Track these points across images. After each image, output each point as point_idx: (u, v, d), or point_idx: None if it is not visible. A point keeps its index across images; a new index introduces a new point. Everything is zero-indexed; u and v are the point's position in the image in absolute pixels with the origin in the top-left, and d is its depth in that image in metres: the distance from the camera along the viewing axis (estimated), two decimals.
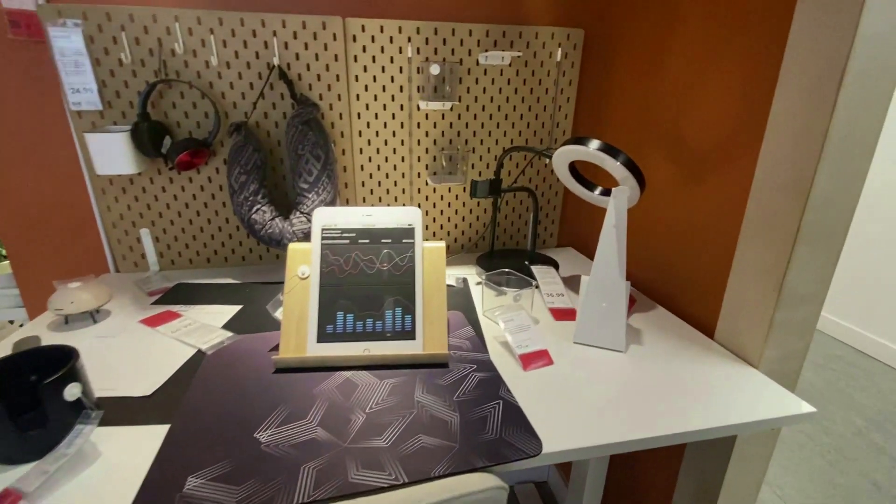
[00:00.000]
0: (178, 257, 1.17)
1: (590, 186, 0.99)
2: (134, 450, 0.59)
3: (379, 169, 1.20)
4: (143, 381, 0.71)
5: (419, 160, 1.21)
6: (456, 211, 1.28)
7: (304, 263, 0.81)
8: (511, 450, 0.58)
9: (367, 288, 0.78)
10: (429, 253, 0.82)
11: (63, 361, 0.62)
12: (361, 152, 1.17)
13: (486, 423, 0.62)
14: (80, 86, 0.98)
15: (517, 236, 1.35)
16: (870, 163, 0.66)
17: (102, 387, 0.70)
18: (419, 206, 1.25)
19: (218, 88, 1.04)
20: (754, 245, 0.77)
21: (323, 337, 0.75)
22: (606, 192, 0.98)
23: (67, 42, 0.95)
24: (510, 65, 1.16)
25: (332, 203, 1.07)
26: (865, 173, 0.66)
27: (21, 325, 1.48)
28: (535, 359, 0.77)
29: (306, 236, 1.04)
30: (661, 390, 0.71)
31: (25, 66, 0.99)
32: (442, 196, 1.26)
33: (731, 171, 0.83)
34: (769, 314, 0.74)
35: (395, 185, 1.22)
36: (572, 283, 1.11)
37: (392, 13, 1.09)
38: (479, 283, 1.10)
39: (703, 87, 0.89)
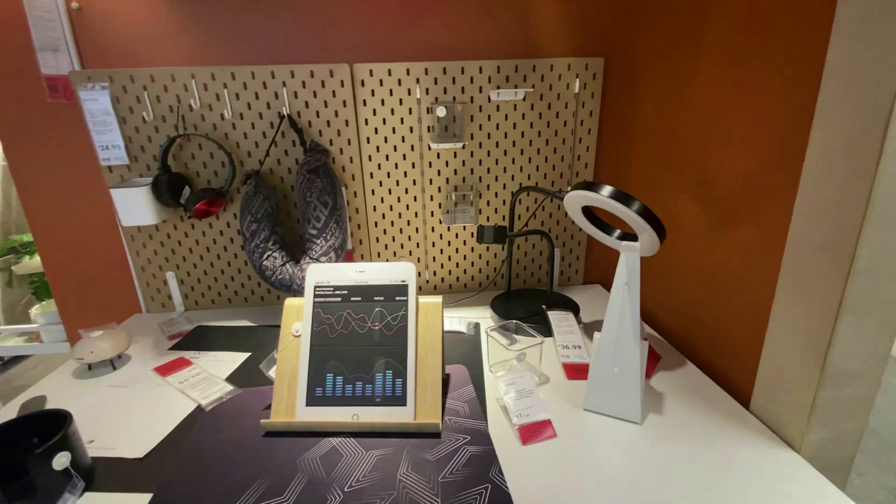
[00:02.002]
0: (202, 298, 1.22)
1: (607, 230, 0.92)
2: None
3: (391, 209, 1.18)
4: (141, 440, 0.73)
5: (431, 199, 1.18)
6: (472, 249, 1.24)
7: (298, 320, 0.80)
8: None
9: (358, 349, 0.76)
10: (424, 309, 0.78)
11: (60, 424, 0.65)
12: (373, 193, 1.16)
13: None
14: (108, 143, 1.05)
15: (538, 273, 1.28)
16: None
17: (102, 444, 0.72)
18: (433, 244, 1.22)
19: (233, 139, 1.08)
20: (792, 309, 0.66)
21: (312, 400, 0.74)
22: (626, 237, 0.90)
23: (96, 104, 1.02)
24: (524, 99, 1.10)
25: (341, 248, 1.06)
26: None
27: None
28: (536, 431, 0.71)
29: None
30: (681, 475, 0.63)
31: (64, 126, 1.08)
32: (457, 234, 1.22)
33: (763, 220, 0.73)
34: (811, 391, 0.63)
35: (409, 224, 1.20)
36: (593, 330, 1.03)
37: (400, 56, 1.08)
38: (493, 329, 1.05)
39: (732, 123, 0.79)
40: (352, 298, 0.78)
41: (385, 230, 1.20)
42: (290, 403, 0.74)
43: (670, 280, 1.00)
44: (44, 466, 0.58)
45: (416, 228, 1.21)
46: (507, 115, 1.12)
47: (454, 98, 1.09)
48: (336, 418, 0.72)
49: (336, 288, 0.79)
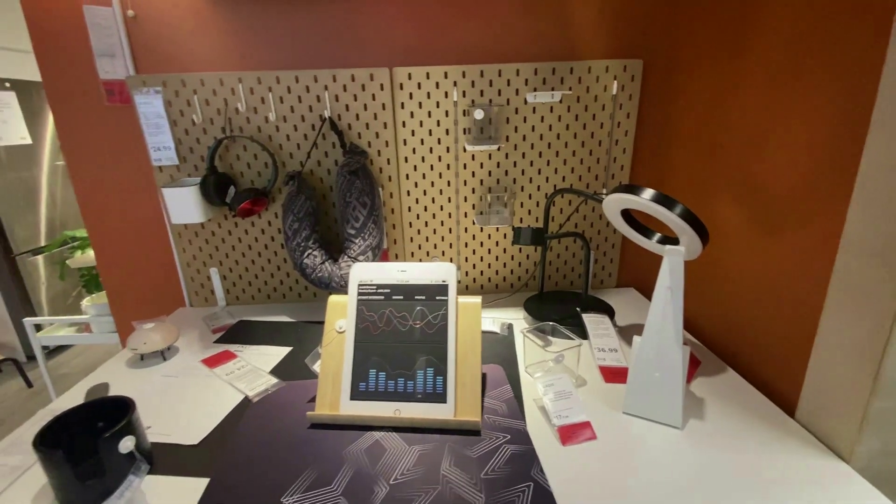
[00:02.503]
0: (242, 293, 1.26)
1: (646, 233, 0.91)
2: (176, 503, 0.62)
3: (426, 210, 1.20)
4: (194, 428, 0.77)
5: (465, 200, 1.19)
6: (504, 250, 1.25)
7: (342, 317, 0.82)
8: None
9: (400, 346, 0.78)
10: (463, 309, 0.79)
11: (124, 410, 0.69)
12: (408, 194, 1.18)
13: None
14: (160, 144, 1.10)
15: (571, 275, 1.28)
16: None
17: (159, 431, 0.76)
18: (466, 245, 1.24)
19: (276, 141, 1.11)
20: (843, 317, 0.65)
21: (356, 395, 0.76)
22: (666, 241, 0.89)
23: (150, 107, 1.07)
24: (560, 101, 1.11)
25: (378, 247, 1.09)
26: None
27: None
28: (575, 432, 0.71)
29: None
30: (725, 482, 0.62)
31: (119, 128, 1.14)
32: (489, 235, 1.23)
33: (813, 226, 0.71)
34: (863, 401, 0.62)
35: (442, 224, 1.21)
36: (629, 333, 1.03)
37: (438, 59, 1.09)
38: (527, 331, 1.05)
39: (781, 126, 0.78)
40: (394, 297, 0.80)
41: (419, 230, 1.22)
42: (335, 397, 0.77)
43: (710, 285, 0.99)
44: (111, 449, 0.62)
45: (450, 229, 1.22)
46: (542, 117, 1.12)
47: (490, 100, 1.10)
48: (379, 413, 0.74)
49: (379, 286, 0.81)
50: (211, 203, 1.09)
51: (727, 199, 0.92)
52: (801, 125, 0.73)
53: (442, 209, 1.20)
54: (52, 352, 2.99)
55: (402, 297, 0.80)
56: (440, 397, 0.74)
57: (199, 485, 0.65)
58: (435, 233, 1.22)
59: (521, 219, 1.21)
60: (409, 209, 1.20)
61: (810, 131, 0.71)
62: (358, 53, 1.09)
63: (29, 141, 2.84)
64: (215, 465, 0.68)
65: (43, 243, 2.83)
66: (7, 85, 2.73)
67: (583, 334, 0.99)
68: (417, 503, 0.60)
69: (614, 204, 0.88)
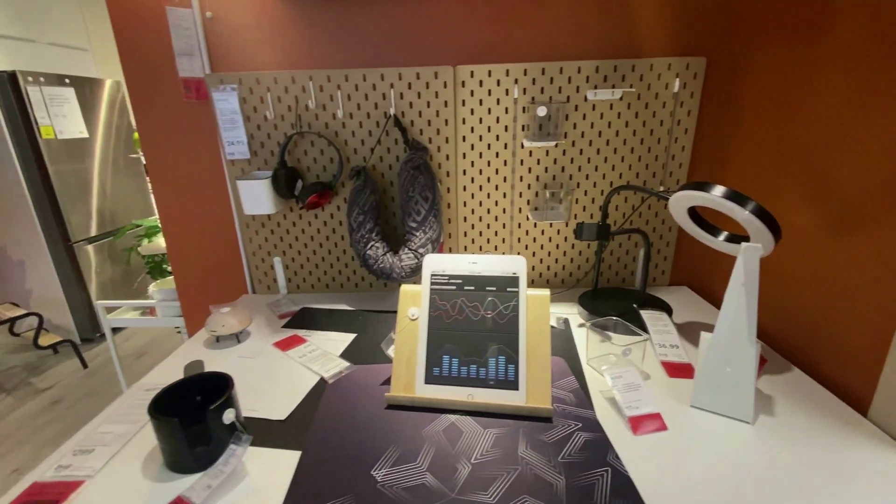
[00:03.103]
0: (303, 282, 1.32)
1: (713, 231, 0.92)
2: (273, 472, 0.67)
3: (481, 205, 1.23)
4: (279, 405, 0.82)
5: (520, 196, 1.21)
6: (557, 246, 1.26)
7: (414, 305, 0.86)
8: None
9: (472, 334, 0.81)
10: (532, 301, 0.82)
11: (219, 385, 0.74)
12: (464, 190, 1.21)
13: (594, 493, 0.61)
14: (234, 139, 1.16)
15: (623, 273, 1.29)
16: None
17: (247, 406, 0.82)
18: (519, 240, 1.26)
19: (342, 137, 1.16)
20: None
21: (430, 379, 0.80)
22: (733, 239, 0.89)
23: (226, 103, 1.13)
24: (621, 98, 1.12)
25: (437, 240, 1.12)
26: None
27: (178, 332, 1.78)
28: (645, 422, 0.73)
29: (413, 271, 1.11)
30: (800, 479, 0.63)
31: (193, 123, 1.20)
32: (543, 231, 1.25)
33: (893, 228, 0.71)
34: None
35: (496, 220, 1.24)
36: (688, 331, 1.03)
37: (500, 57, 1.12)
38: (581, 326, 1.07)
39: (860, 126, 0.77)
40: (465, 287, 0.83)
41: (473, 225, 1.25)
42: (409, 380, 0.81)
43: (774, 284, 0.98)
44: (217, 419, 0.67)
45: (504, 224, 1.25)
46: (602, 115, 1.13)
47: (550, 98, 1.12)
48: (452, 397, 0.78)
49: (451, 277, 0.84)
50: (280, 195, 1.14)
51: (795, 197, 0.92)
52: (882, 126, 0.73)
53: (497, 204, 1.23)
54: (103, 336, 3.16)
55: (473, 288, 0.83)
56: (512, 384, 0.77)
57: (290, 456, 0.70)
58: (489, 227, 1.25)
59: (576, 215, 1.23)
60: (465, 204, 1.23)
61: (893, 131, 0.71)
62: (421, 52, 1.12)
63: (86, 135, 3.00)
64: (307, 438, 0.73)
65: (94, 233, 2.98)
66: (66, 81, 2.88)
67: (642, 330, 1.00)
68: (500, 482, 0.63)
69: (682, 201, 0.89)
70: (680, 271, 1.30)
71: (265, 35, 1.13)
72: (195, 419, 0.66)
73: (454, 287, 0.84)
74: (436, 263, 0.85)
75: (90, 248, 2.99)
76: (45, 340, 2.58)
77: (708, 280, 1.24)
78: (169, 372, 0.94)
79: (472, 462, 0.67)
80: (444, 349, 0.81)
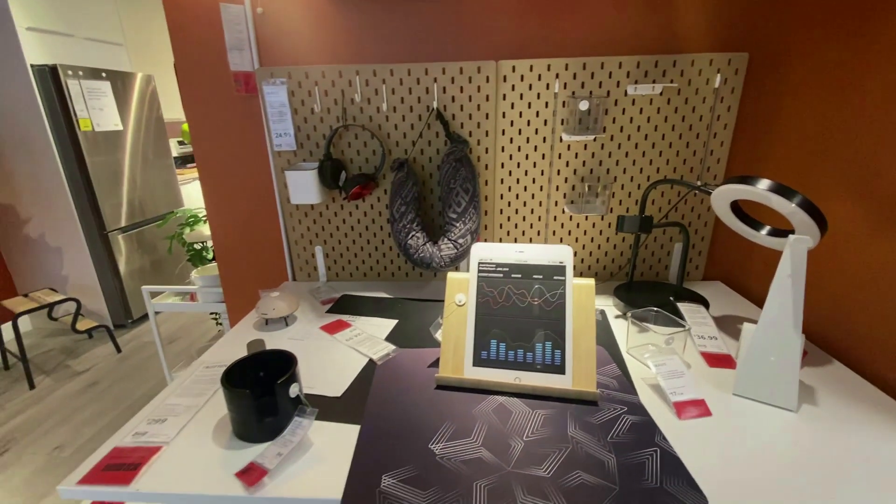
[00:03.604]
0: (342, 270, 1.36)
1: (755, 225, 0.93)
2: (335, 443, 0.71)
3: (517, 197, 1.25)
4: (333, 383, 0.86)
5: (557, 189, 1.24)
6: (592, 239, 1.28)
7: (460, 292, 0.89)
8: (675, 501, 0.59)
9: (519, 320, 0.84)
10: (578, 290, 0.85)
11: (279, 362, 0.79)
12: (502, 182, 1.24)
13: (645, 470, 0.64)
14: (282, 131, 1.20)
15: (657, 266, 1.30)
16: None
17: (304, 384, 0.86)
18: (554, 232, 1.28)
19: (385, 130, 1.20)
20: None
21: (478, 361, 0.83)
22: (776, 233, 0.91)
23: (275, 96, 1.17)
24: (661, 94, 1.13)
25: (476, 231, 1.15)
26: None
27: (213, 317, 1.84)
28: (690, 408, 0.76)
29: (452, 261, 1.14)
30: (846, 466, 0.65)
31: (241, 115, 1.25)
32: (578, 224, 1.27)
33: None
34: None
35: (532, 212, 1.26)
36: (724, 324, 1.05)
37: (541, 53, 1.14)
38: (618, 317, 1.09)
39: None
40: (512, 275, 0.86)
41: (509, 217, 1.28)
42: (457, 363, 0.84)
43: (817, 278, 0.99)
44: (283, 393, 0.72)
45: (539, 217, 1.27)
46: (641, 109, 1.15)
47: (591, 92, 1.14)
48: (500, 379, 0.81)
49: (498, 265, 0.87)
50: (325, 186, 1.19)
51: (840, 193, 0.92)
52: None
53: (533, 197, 1.25)
54: (136, 321, 3.27)
55: (520, 276, 0.86)
56: (559, 369, 0.80)
57: (349, 430, 0.74)
58: (524, 220, 1.28)
59: (611, 209, 1.25)
60: (502, 196, 1.26)
61: None
62: (463, 47, 1.15)
63: (120, 127, 3.10)
64: (362, 414, 0.77)
65: (123, 224, 3.08)
66: (103, 75, 2.98)
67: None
68: (553, 458, 0.66)
69: (725, 195, 0.90)
70: (714, 266, 1.31)
71: (312, 30, 1.17)
72: (265, 391, 0.70)
73: (501, 275, 0.87)
74: (483, 252, 0.89)
75: (120, 237, 3.09)
76: (82, 325, 2.68)
77: (742, 275, 1.25)
78: (225, 351, 0.98)
79: (524, 439, 0.70)
80: (492, 334, 0.84)
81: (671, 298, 1.09)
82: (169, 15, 1.20)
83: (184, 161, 4.40)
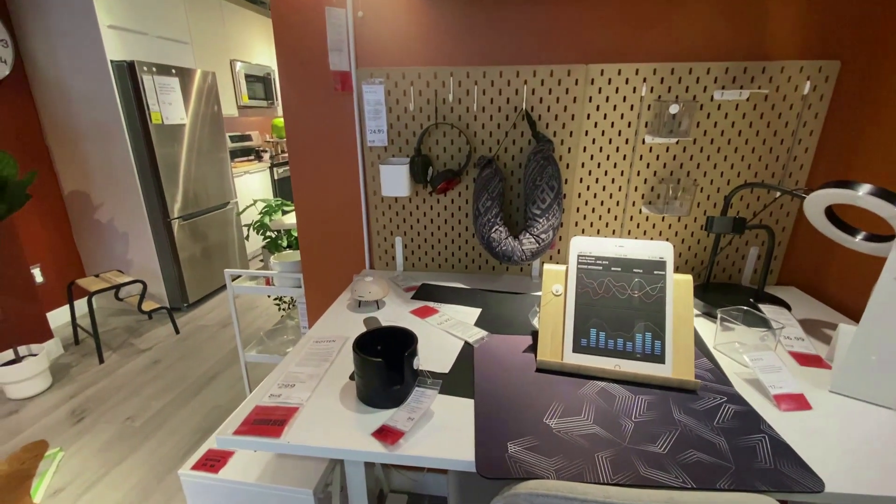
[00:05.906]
0: (418, 261, 1.43)
1: (849, 231, 0.95)
2: (454, 413, 0.78)
3: (595, 197, 1.30)
4: (439, 361, 0.92)
5: (636, 189, 1.27)
6: (666, 240, 1.31)
7: (556, 283, 0.94)
8: (791, 481, 0.62)
9: (619, 311, 0.88)
10: (677, 284, 0.89)
11: (398, 338, 0.86)
12: (581, 181, 1.29)
13: (757, 453, 0.67)
14: (376, 128, 1.28)
15: (730, 269, 1.32)
16: None
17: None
18: (629, 232, 1.32)
19: (472, 128, 1.26)
20: None
21: (578, 348, 0.88)
22: (872, 238, 0.93)
23: (373, 95, 1.25)
24: (748, 99, 1.15)
25: (557, 227, 1.20)
26: None
27: (281, 308, 1.93)
28: (790, 401, 0.79)
29: (533, 255, 1.19)
30: None
31: (338, 112, 1.34)
32: (654, 224, 1.30)
33: None
34: None
35: (609, 212, 1.31)
36: (807, 326, 1.06)
37: (628, 58, 1.18)
38: (697, 316, 1.12)
39: None
40: (612, 269, 0.91)
41: (585, 216, 1.32)
42: (555, 348, 0.90)
43: None
44: (409, 364, 0.78)
45: (615, 216, 1.31)
46: (726, 114, 1.17)
47: (677, 96, 1.17)
48: (600, 365, 0.86)
49: (597, 258, 0.92)
50: (415, 181, 1.26)
51: None
52: None
53: (611, 197, 1.29)
54: (190, 305, 3.44)
55: (619, 269, 0.91)
56: (658, 358, 0.84)
57: (464, 402, 0.80)
58: (600, 219, 1.32)
59: (690, 210, 1.27)
60: (580, 195, 1.30)
61: None
62: (552, 51, 1.20)
63: (186, 121, 3.27)
64: (475, 389, 0.83)
65: (176, 214, 3.24)
66: (173, 71, 3.15)
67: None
68: (665, 438, 0.71)
69: (820, 200, 0.93)
70: (788, 271, 1.32)
71: (407, 33, 1.24)
72: (394, 361, 0.77)
73: (601, 267, 0.92)
74: (583, 245, 0.94)
75: (177, 224, 3.26)
76: (146, 306, 2.85)
77: (819, 280, 1.26)
78: (329, 328, 1.06)
79: (634, 420, 0.74)
80: (592, 322, 0.89)
81: (751, 300, 1.12)
82: (275, 16, 1.29)
83: (233, 155, 4.59)
